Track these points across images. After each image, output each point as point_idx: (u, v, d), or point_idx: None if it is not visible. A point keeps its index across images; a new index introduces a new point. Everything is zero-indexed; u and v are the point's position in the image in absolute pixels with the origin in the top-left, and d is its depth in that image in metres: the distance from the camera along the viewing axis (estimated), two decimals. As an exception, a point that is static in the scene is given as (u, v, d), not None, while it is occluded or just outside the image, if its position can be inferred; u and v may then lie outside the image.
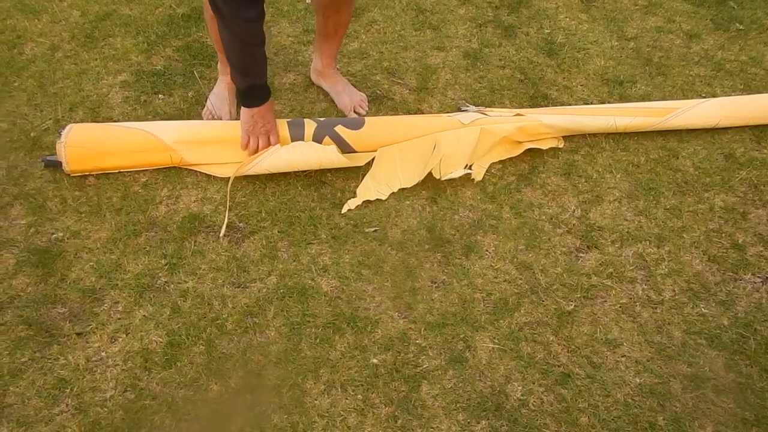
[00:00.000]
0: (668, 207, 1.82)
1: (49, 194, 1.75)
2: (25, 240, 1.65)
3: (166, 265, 1.62)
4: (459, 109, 2.00)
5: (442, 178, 1.79)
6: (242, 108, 1.73)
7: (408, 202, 1.80)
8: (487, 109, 1.96)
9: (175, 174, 1.81)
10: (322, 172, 1.84)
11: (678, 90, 2.17)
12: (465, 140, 1.84)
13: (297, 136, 1.79)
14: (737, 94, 2.16)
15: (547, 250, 1.71)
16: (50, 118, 1.94)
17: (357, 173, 1.84)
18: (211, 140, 1.80)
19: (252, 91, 1.71)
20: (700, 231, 1.77)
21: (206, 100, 1.98)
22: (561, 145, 1.93)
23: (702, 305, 1.62)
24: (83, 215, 1.71)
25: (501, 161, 1.90)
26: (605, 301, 1.62)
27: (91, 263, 1.61)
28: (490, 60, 2.25)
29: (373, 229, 1.73)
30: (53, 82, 2.06)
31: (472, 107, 1.99)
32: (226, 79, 1.96)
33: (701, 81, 2.21)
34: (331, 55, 2.02)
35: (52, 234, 1.67)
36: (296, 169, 1.79)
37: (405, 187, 1.81)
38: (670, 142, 1.99)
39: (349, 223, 1.73)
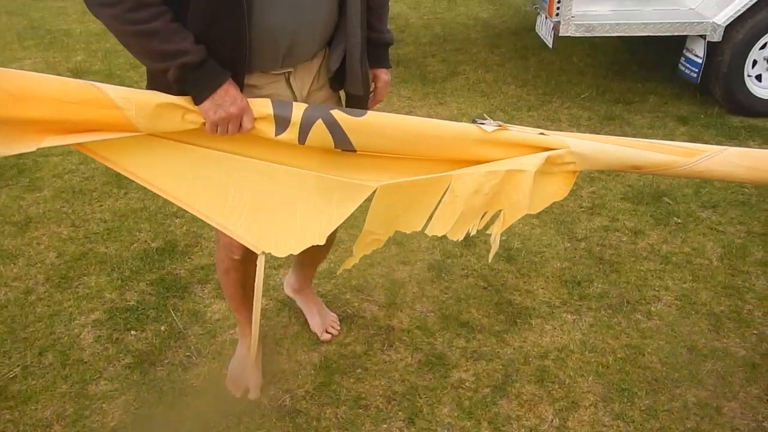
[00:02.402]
0: (643, 408, 1.83)
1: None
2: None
3: None
4: (474, 121, 1.63)
5: (455, 239, 1.58)
6: (199, 106, 1.32)
7: (385, 426, 1.77)
8: (507, 124, 1.61)
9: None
10: (295, 399, 1.82)
11: (633, 286, 2.28)
12: (486, 187, 1.52)
13: (282, 115, 1.42)
14: (687, 286, 2.28)
15: (531, 467, 1.67)
16: (18, 365, 1.93)
17: (332, 398, 1.83)
18: (170, 104, 1.34)
19: (191, 74, 1.27)
20: (678, 431, 1.77)
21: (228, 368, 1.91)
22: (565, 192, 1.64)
23: None
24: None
25: (475, 375, 1.91)
26: None
27: None
28: (453, 270, 2.36)
29: (351, 460, 1.68)
30: (24, 326, 2.07)
31: (489, 120, 1.60)
32: (247, 343, 1.82)
33: (653, 275, 2.34)
34: (308, 278, 2.11)
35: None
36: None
37: (404, 231, 1.57)
38: (634, 340, 2.05)
39: (326, 455, 1.69)
